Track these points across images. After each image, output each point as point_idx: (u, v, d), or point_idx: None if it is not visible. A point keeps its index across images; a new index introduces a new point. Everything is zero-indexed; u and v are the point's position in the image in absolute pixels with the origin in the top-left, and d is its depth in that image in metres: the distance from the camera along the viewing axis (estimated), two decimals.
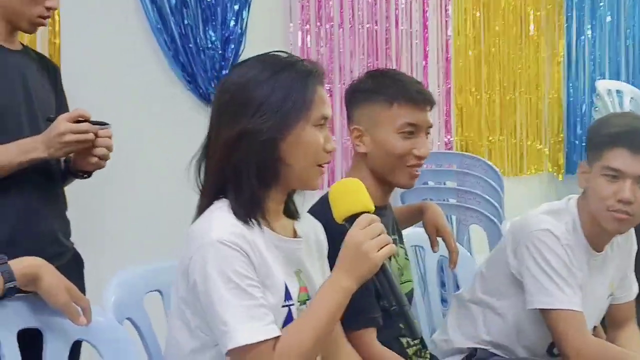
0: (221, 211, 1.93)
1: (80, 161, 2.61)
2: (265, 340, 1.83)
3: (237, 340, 1.82)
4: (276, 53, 2.02)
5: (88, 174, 2.71)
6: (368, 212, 1.91)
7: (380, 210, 2.47)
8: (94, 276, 2.70)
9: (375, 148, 2.47)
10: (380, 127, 2.47)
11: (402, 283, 2.56)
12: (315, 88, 1.95)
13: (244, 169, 1.92)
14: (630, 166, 2.56)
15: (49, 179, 2.65)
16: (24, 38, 3.32)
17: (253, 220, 1.93)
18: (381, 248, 1.86)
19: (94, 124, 2.52)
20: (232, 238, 1.87)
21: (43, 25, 2.68)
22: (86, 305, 1.93)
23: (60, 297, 1.87)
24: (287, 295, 1.96)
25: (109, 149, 2.59)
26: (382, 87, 2.49)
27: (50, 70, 2.80)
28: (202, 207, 1.99)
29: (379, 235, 1.87)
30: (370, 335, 2.36)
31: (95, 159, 2.58)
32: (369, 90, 2.50)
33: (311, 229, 2.13)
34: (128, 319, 2.19)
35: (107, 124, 2.56)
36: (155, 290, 2.28)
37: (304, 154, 1.94)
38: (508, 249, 2.70)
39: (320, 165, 1.97)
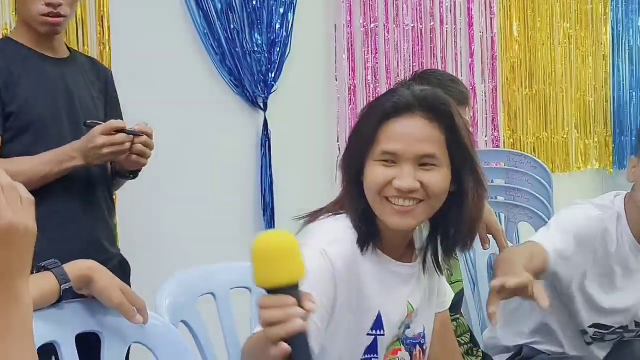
0: (345, 225, 1.93)
1: (121, 161, 2.64)
2: None
3: None
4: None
5: (134, 175, 2.74)
6: (294, 285, 1.47)
7: None
8: (145, 282, 2.73)
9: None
10: None
11: (452, 283, 2.56)
12: (381, 124, 1.91)
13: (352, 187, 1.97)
14: None
15: (90, 185, 2.68)
16: (77, 44, 3.38)
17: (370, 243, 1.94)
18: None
19: (129, 134, 2.55)
20: (332, 255, 1.85)
21: (51, 24, 2.64)
22: (142, 305, 1.95)
23: (115, 296, 1.89)
24: (378, 324, 1.94)
25: (148, 146, 2.61)
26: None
27: (100, 75, 2.83)
28: (323, 214, 2.00)
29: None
30: None
31: (134, 157, 2.60)
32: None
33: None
34: (182, 321, 2.21)
35: (141, 134, 2.59)
36: (208, 293, 2.30)
37: (367, 189, 1.94)
38: None
39: (388, 201, 1.90)
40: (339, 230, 1.92)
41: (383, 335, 1.95)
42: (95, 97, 2.76)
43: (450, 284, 2.52)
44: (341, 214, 1.96)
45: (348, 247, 1.90)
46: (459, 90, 2.56)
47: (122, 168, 2.70)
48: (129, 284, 2.66)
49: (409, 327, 2.02)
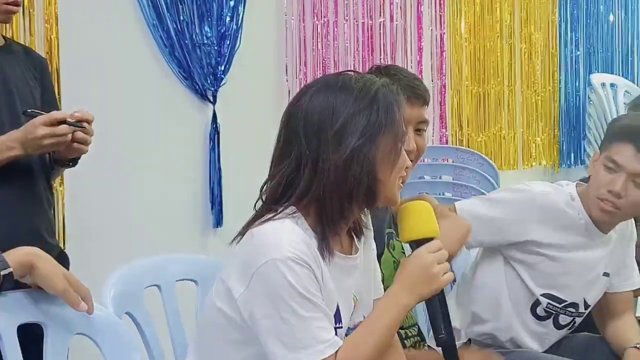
0: (291, 223, 1.92)
1: (61, 150, 2.60)
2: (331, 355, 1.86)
3: (311, 355, 1.84)
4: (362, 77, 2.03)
5: (74, 162, 2.71)
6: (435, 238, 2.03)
7: None
8: (92, 273, 2.71)
9: None
10: None
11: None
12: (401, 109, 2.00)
13: (343, 190, 1.92)
14: (630, 163, 2.61)
15: (29, 175, 2.64)
16: (11, 32, 3.34)
17: (328, 239, 1.93)
18: (445, 274, 1.98)
19: (70, 125, 2.51)
20: (302, 256, 1.86)
21: (13, 12, 2.61)
22: (86, 293, 1.92)
23: (58, 283, 1.86)
24: (338, 317, 1.97)
25: (88, 133, 2.58)
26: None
27: (36, 64, 2.78)
28: (267, 214, 1.96)
29: (444, 262, 1.99)
30: None
31: (75, 145, 2.57)
32: None
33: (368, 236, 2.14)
34: (127, 313, 2.20)
35: (83, 126, 2.55)
36: (154, 285, 2.29)
37: (393, 170, 1.96)
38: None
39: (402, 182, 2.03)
40: (295, 231, 1.91)
41: (341, 327, 1.98)
42: (32, 86, 2.71)
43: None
44: (278, 215, 1.94)
45: (308, 243, 1.90)
46: (425, 89, 2.56)
47: (61, 156, 2.67)
48: None
49: (350, 318, 2.03)
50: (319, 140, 1.92)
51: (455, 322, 2.79)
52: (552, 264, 2.71)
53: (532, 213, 2.69)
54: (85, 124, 2.56)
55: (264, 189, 2.00)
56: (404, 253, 2.66)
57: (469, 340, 2.82)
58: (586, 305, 2.81)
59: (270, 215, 1.94)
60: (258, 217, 1.97)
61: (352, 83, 1.97)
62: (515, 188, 2.76)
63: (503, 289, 2.78)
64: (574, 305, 2.78)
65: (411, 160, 2.43)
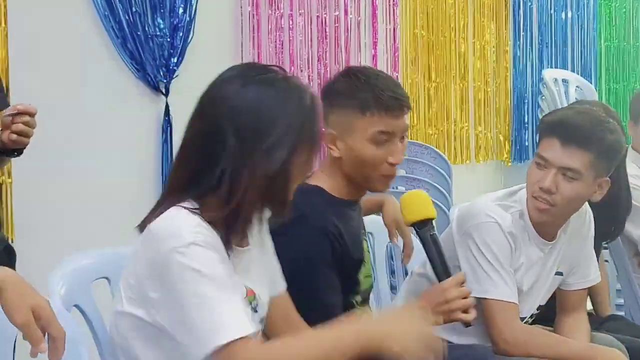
0: (187, 214, 1.90)
1: (4, 140, 2.58)
2: (249, 336, 1.82)
3: (229, 334, 1.79)
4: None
5: (19, 152, 2.68)
6: (432, 220, 2.39)
7: (352, 204, 2.51)
8: (41, 266, 2.68)
9: (348, 154, 2.42)
10: (352, 134, 2.40)
11: (366, 277, 2.58)
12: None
13: (264, 198, 1.93)
14: (557, 157, 2.61)
15: None
16: None
17: (229, 239, 1.93)
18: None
19: (6, 116, 2.50)
20: (206, 239, 1.85)
21: None
22: (58, 334, 1.68)
23: (20, 315, 1.64)
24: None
25: (30, 125, 2.56)
26: (355, 92, 2.40)
27: None
28: (164, 205, 1.94)
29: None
30: None
31: (14, 136, 2.55)
32: (343, 95, 2.42)
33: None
34: (76, 306, 2.18)
35: (17, 113, 2.53)
36: (102, 277, 2.27)
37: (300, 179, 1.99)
38: (454, 232, 2.73)
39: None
40: (192, 219, 1.89)
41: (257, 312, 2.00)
42: None
43: (364, 277, 2.55)
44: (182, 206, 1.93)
45: (207, 230, 1.90)
46: (404, 94, 2.52)
47: (3, 147, 2.64)
48: (14, 270, 2.59)
49: (256, 311, 2.03)
50: (250, 148, 1.89)
51: None
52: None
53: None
54: (26, 116, 2.54)
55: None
56: (369, 252, 2.66)
57: None
58: (539, 308, 2.83)
59: (164, 207, 1.91)
60: (157, 209, 1.94)
61: (283, 86, 1.95)
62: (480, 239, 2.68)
63: None
64: (530, 316, 2.81)
65: (394, 170, 2.45)
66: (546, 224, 2.71)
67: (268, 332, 2.13)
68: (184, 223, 1.87)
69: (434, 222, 2.44)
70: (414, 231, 2.49)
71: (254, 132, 1.89)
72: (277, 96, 1.92)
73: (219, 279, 1.84)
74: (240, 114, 1.90)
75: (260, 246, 2.12)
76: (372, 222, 2.83)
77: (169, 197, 1.95)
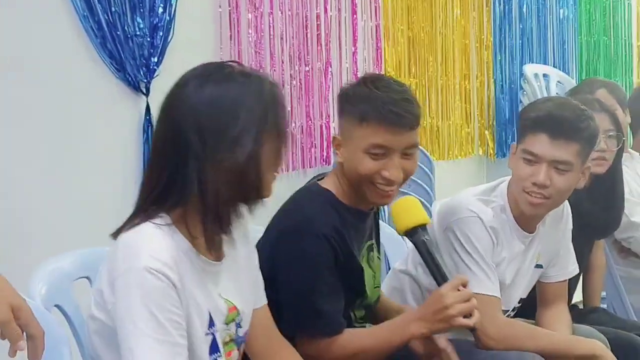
0: (157, 230, 1.90)
1: None
2: None
3: None
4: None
5: None
6: (425, 225, 2.35)
7: (361, 214, 2.50)
8: (21, 266, 2.67)
9: (348, 162, 2.43)
10: (351, 142, 2.40)
11: (375, 287, 2.59)
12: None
13: (238, 193, 1.93)
14: (547, 151, 2.63)
15: None
16: None
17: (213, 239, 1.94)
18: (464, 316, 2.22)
19: None
20: (161, 268, 1.85)
21: None
22: (37, 333, 1.70)
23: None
24: (211, 323, 1.97)
25: None
26: (359, 100, 2.40)
27: None
28: (139, 218, 1.95)
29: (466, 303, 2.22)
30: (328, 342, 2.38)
31: None
32: (349, 101, 2.43)
33: (240, 235, 2.13)
34: (56, 306, 2.18)
35: None
36: (83, 277, 2.27)
37: (273, 170, 1.98)
38: (436, 228, 2.74)
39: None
40: (160, 239, 1.90)
41: (216, 332, 1.99)
42: None
43: (373, 288, 2.56)
44: (154, 215, 1.93)
45: (172, 253, 1.89)
46: (411, 110, 2.46)
47: None
48: None
49: (240, 326, 2.03)
50: (214, 144, 1.89)
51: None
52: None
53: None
54: None
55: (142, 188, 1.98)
56: (379, 258, 2.66)
57: None
58: (520, 301, 2.84)
59: (138, 220, 1.92)
60: (131, 220, 1.95)
61: (241, 79, 1.96)
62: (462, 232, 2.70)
63: None
64: (512, 309, 2.82)
65: (391, 185, 2.40)
66: (535, 217, 2.74)
67: (248, 346, 2.13)
68: (147, 245, 1.87)
69: (427, 226, 2.42)
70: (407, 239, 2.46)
71: (216, 128, 1.90)
72: (235, 89, 1.93)
73: (159, 313, 1.83)
74: (200, 113, 1.91)
75: (246, 259, 2.12)
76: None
77: (142, 209, 1.95)
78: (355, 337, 2.36)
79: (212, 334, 1.96)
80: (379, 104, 2.36)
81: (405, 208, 2.40)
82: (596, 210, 3.10)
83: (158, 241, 1.88)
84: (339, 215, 2.41)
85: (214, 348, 1.97)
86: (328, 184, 2.46)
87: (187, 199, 1.90)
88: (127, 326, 1.83)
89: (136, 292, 1.82)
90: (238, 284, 2.05)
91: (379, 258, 2.64)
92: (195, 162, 1.88)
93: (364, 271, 2.50)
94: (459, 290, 2.32)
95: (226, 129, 1.89)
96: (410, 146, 2.41)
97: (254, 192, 1.95)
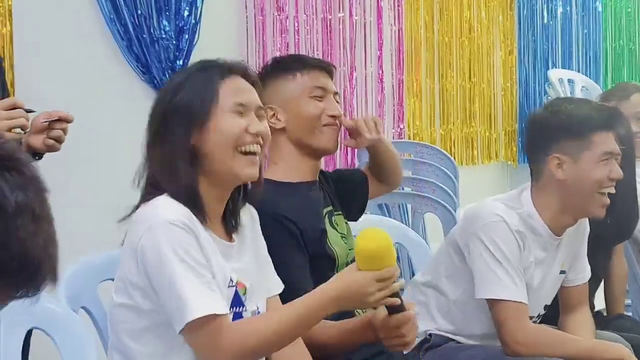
0: (167, 199, 1.98)
1: (35, 142, 2.60)
2: (221, 315, 1.88)
3: (195, 312, 1.85)
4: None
5: (39, 156, 2.70)
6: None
7: (310, 185, 2.59)
8: None
9: (291, 119, 2.56)
10: (290, 98, 2.57)
11: (350, 250, 2.61)
12: (219, 81, 2.05)
13: (174, 167, 2.01)
14: (615, 147, 2.70)
15: None
16: None
17: (195, 212, 1.97)
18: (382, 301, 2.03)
19: (27, 111, 2.54)
20: (182, 219, 1.92)
21: None
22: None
23: None
24: (231, 281, 2.01)
25: (65, 132, 2.60)
26: (282, 64, 2.64)
27: None
28: (146, 199, 2.04)
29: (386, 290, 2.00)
30: None
31: (51, 141, 2.58)
32: (273, 70, 2.63)
33: (248, 219, 2.16)
34: (83, 307, 2.19)
35: (34, 110, 2.58)
36: (108, 279, 2.27)
37: (219, 141, 2.01)
38: (461, 235, 2.73)
39: (244, 153, 2.02)
40: (172, 203, 1.98)
41: (235, 287, 2.03)
42: None
43: (349, 250, 2.60)
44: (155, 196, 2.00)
45: (188, 216, 1.96)
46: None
47: (30, 149, 2.65)
48: None
49: (243, 306, 2.05)
50: (186, 125, 2.01)
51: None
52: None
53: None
54: (65, 124, 2.59)
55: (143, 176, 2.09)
56: (347, 223, 2.68)
57: (430, 335, 2.81)
58: (545, 307, 2.83)
59: (150, 197, 2.02)
60: (141, 202, 2.04)
61: (207, 64, 2.09)
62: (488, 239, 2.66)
63: (477, 309, 2.76)
64: (537, 316, 2.81)
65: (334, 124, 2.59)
66: (562, 221, 2.74)
67: None
68: (164, 207, 1.96)
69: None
70: None
71: (182, 110, 2.03)
72: (196, 73, 2.07)
73: (189, 260, 1.89)
74: (173, 99, 2.05)
75: (253, 244, 2.14)
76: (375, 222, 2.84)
77: (147, 195, 2.05)
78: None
79: (235, 287, 2.01)
80: (305, 58, 2.74)
81: (380, 252, 2.02)
82: (608, 214, 3.08)
83: (174, 205, 1.96)
84: (281, 191, 2.50)
85: (236, 301, 2.01)
86: (266, 174, 2.52)
87: (192, 175, 1.97)
88: (168, 277, 1.87)
89: (164, 242, 1.88)
90: (245, 264, 2.09)
91: (346, 223, 2.69)
92: (176, 148, 2.01)
93: (326, 232, 2.56)
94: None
95: (189, 114, 2.01)
96: (335, 92, 2.65)
97: (215, 169, 2.01)
